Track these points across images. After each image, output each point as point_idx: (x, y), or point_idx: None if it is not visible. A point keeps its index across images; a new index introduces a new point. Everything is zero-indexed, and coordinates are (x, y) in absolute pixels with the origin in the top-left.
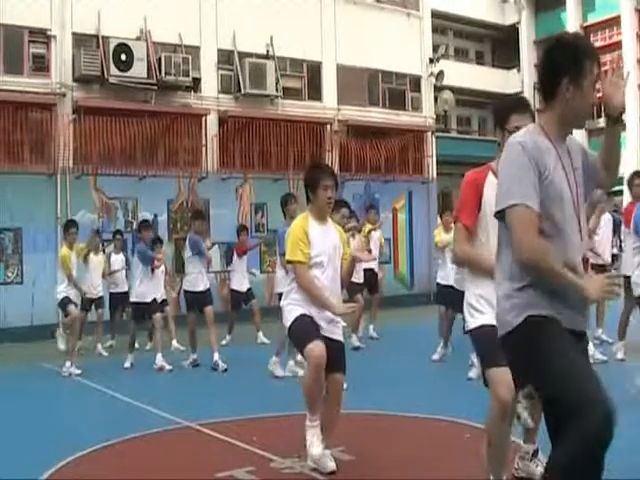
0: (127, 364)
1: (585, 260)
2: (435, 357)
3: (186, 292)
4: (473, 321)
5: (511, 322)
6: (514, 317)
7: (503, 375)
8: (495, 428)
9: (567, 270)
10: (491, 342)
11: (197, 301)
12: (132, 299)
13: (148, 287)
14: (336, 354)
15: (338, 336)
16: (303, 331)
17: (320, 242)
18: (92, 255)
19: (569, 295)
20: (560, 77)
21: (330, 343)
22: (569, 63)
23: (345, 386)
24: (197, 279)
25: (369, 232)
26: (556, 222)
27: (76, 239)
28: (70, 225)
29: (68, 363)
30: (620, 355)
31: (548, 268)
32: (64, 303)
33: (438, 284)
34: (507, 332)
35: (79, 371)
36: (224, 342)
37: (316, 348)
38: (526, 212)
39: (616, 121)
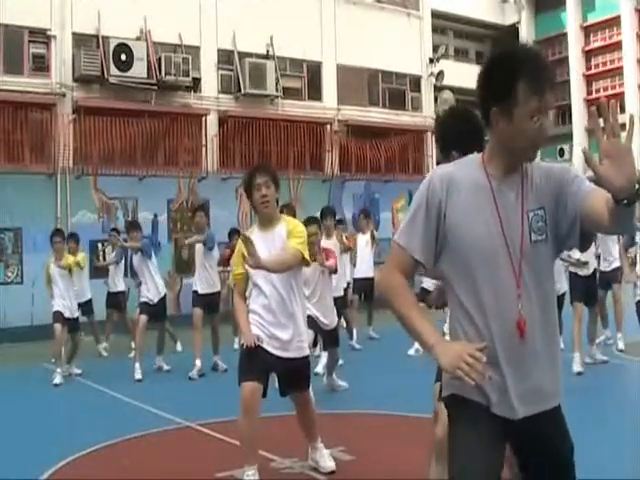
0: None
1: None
2: (411, 352)
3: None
4: None
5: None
6: (444, 388)
7: (441, 411)
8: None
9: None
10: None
11: (202, 302)
12: (141, 299)
13: (150, 288)
14: (294, 373)
15: (297, 353)
16: (242, 365)
17: (259, 252)
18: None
19: (504, 374)
20: (489, 104)
21: (285, 363)
22: (500, 88)
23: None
24: (195, 279)
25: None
26: (475, 273)
27: (62, 249)
28: (53, 234)
29: (58, 369)
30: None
31: (394, 307)
32: (54, 319)
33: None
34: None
35: (79, 371)
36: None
37: (246, 389)
38: (400, 252)
39: (628, 204)
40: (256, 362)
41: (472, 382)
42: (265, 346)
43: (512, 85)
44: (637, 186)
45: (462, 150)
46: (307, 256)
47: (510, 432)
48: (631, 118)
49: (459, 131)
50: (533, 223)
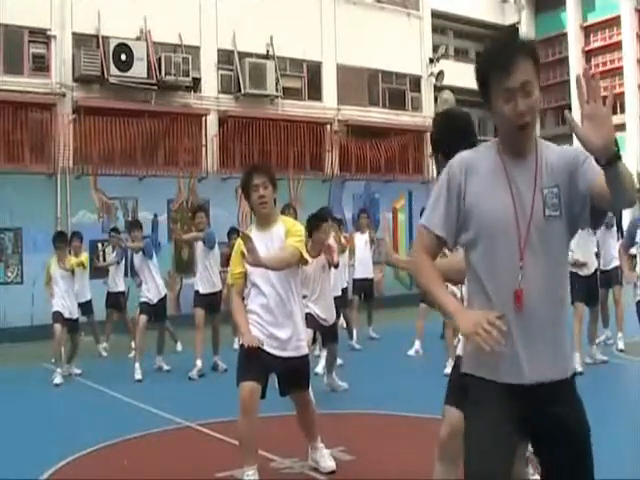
0: (159, 364)
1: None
2: (411, 352)
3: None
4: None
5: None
6: (462, 367)
7: (447, 413)
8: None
9: (484, 298)
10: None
11: (204, 302)
12: (141, 299)
13: (150, 288)
14: (294, 372)
15: (296, 352)
16: (241, 365)
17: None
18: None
19: (513, 341)
20: (481, 98)
21: (284, 362)
22: (480, 82)
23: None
24: (196, 279)
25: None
26: (488, 246)
27: (64, 252)
28: (55, 238)
29: (58, 369)
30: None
31: (422, 283)
32: (53, 319)
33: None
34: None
35: (79, 371)
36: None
37: (245, 389)
38: (425, 233)
39: (608, 163)
40: (255, 362)
41: (488, 348)
42: (264, 346)
43: (484, 78)
44: (616, 148)
45: (451, 153)
46: (305, 255)
47: (524, 406)
48: (611, 90)
49: (449, 135)
50: (547, 199)
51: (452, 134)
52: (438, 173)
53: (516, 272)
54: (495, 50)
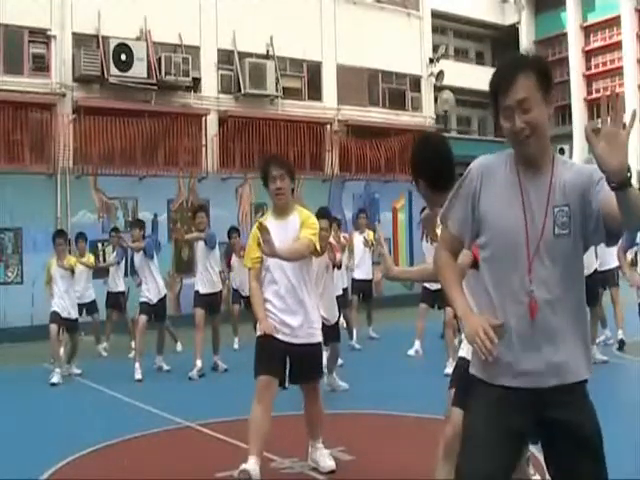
0: (159, 364)
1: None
2: (411, 352)
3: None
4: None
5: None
6: (470, 367)
7: (452, 413)
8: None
9: (492, 302)
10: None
11: (204, 302)
12: (141, 299)
13: (150, 288)
14: (305, 359)
15: (308, 339)
16: (258, 357)
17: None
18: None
19: (515, 349)
20: (492, 115)
21: (296, 349)
22: (490, 101)
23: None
24: (196, 279)
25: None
26: (497, 258)
27: (64, 250)
28: (56, 235)
29: (57, 369)
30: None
31: (442, 282)
32: (50, 319)
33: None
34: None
35: (79, 371)
36: (236, 346)
37: (261, 383)
38: (443, 229)
39: (620, 187)
40: (271, 354)
41: (482, 357)
42: (276, 334)
43: (493, 99)
44: (628, 174)
45: (429, 179)
46: (318, 247)
47: (527, 410)
48: (633, 113)
49: (427, 162)
50: (557, 218)
51: (440, 163)
52: (422, 196)
53: (524, 283)
54: (498, 70)
